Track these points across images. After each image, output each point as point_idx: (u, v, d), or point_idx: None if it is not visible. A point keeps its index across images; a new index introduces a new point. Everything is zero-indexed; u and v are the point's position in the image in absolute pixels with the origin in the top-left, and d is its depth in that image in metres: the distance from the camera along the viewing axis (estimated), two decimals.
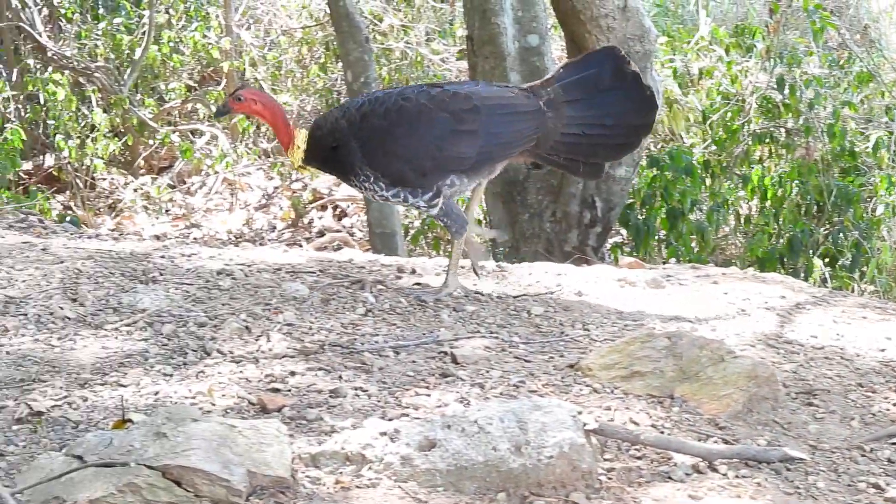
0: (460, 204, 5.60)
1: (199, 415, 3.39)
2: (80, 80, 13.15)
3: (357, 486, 3.29)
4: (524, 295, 5.10)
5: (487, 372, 4.15)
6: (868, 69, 11.28)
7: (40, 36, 13.15)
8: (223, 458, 3.16)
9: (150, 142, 13.39)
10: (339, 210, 12.63)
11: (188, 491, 3.10)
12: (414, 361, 4.23)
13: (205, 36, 13.48)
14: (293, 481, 3.25)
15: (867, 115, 11.45)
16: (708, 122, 10.78)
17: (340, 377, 4.03)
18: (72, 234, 5.94)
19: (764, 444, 3.75)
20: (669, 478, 3.50)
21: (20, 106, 13.00)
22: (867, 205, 10.00)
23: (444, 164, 4.92)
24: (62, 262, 5.02)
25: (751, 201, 10.15)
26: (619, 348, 4.16)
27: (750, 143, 10.55)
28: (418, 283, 5.18)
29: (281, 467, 3.24)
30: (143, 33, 13.07)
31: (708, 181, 10.09)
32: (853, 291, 8.81)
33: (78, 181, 12.74)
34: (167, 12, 13.66)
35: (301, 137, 4.99)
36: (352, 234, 11.89)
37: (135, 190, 12.86)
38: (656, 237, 9.23)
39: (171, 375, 4.01)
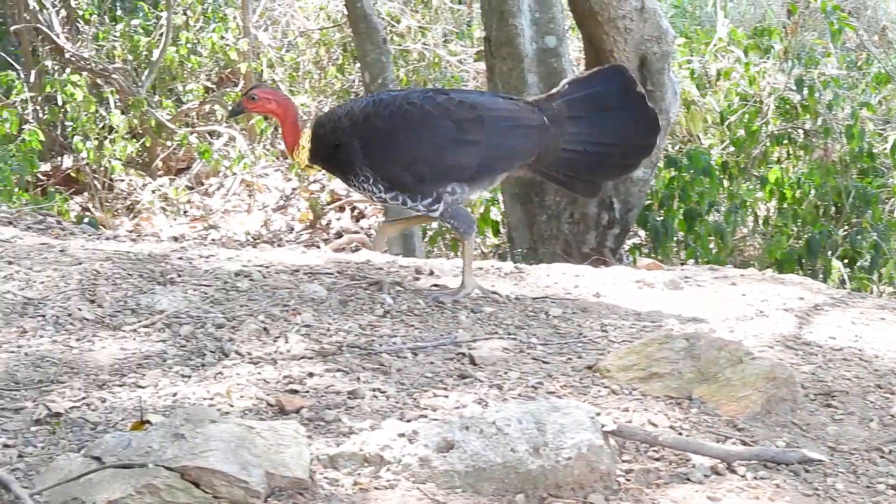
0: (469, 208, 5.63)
1: (218, 416, 3.39)
2: (98, 81, 13.19)
3: (375, 488, 3.28)
4: (542, 296, 5.10)
5: (505, 373, 4.14)
6: (886, 70, 11.26)
7: (58, 37, 13.20)
8: (241, 459, 3.16)
9: (168, 143, 13.44)
10: (356, 211, 12.64)
11: (206, 492, 3.09)
12: (432, 363, 4.22)
13: (222, 37, 13.52)
14: (311, 483, 3.25)
15: (885, 116, 11.43)
16: (726, 124, 10.77)
17: (358, 378, 4.03)
18: (90, 235, 5.94)
19: (782, 445, 3.74)
20: (688, 479, 3.49)
21: (38, 107, 13.05)
22: (885, 206, 9.97)
23: (444, 173, 4.91)
24: (80, 264, 5.02)
25: (769, 202, 10.11)
26: (637, 349, 4.15)
27: (768, 144, 10.54)
28: (436, 285, 5.17)
29: (299, 469, 3.23)
30: (161, 35, 13.11)
31: (726, 182, 10.06)
32: (872, 293, 8.77)
33: (96, 182, 12.77)
34: (185, 14, 13.71)
35: (305, 137, 5.00)
36: (369, 236, 11.89)
37: (153, 191, 12.89)
38: (674, 238, 9.20)
39: (189, 377, 4.00)
